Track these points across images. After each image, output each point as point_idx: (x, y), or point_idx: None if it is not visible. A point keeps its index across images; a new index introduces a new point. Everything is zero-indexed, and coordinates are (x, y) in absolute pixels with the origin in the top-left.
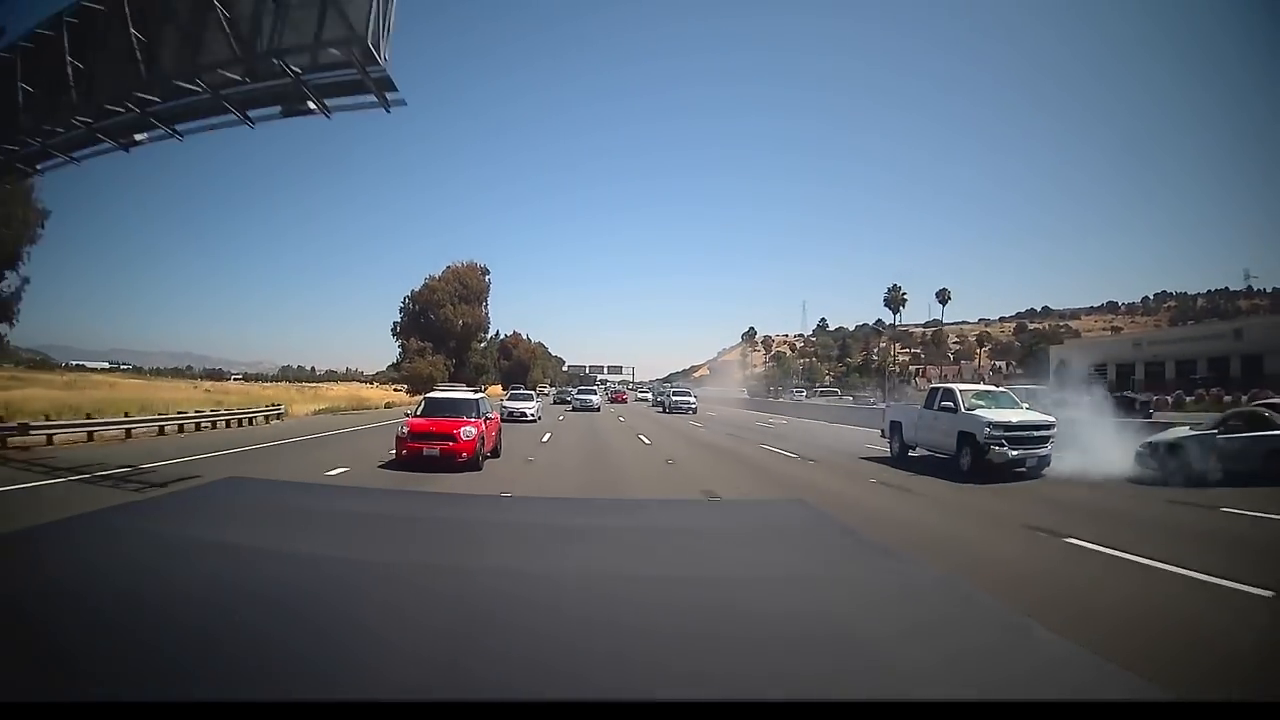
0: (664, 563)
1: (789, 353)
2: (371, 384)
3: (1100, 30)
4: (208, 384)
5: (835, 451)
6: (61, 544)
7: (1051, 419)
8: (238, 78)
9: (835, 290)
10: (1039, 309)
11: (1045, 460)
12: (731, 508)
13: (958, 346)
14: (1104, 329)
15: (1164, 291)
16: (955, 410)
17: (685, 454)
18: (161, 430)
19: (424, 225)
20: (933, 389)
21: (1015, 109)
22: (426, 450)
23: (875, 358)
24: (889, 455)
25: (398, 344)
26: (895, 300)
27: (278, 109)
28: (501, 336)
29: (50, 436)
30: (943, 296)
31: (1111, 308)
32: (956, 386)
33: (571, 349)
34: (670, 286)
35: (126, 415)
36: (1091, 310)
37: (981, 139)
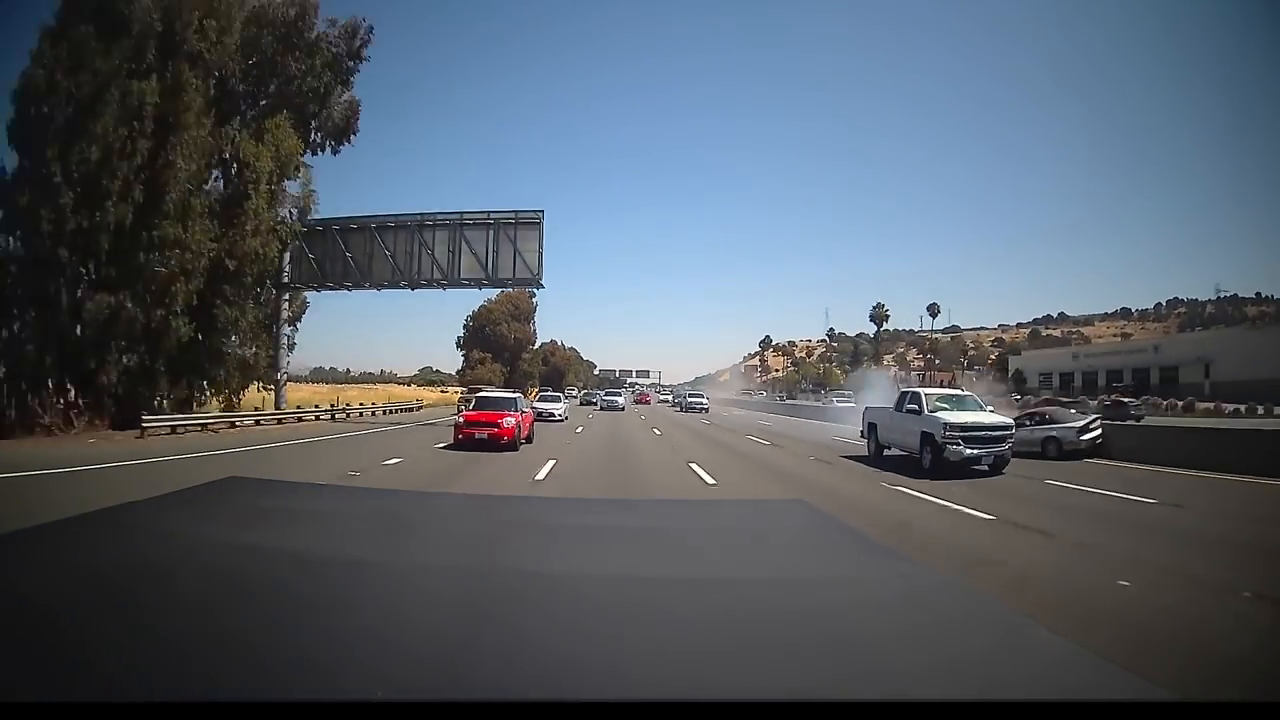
0: (665, 563)
1: (808, 358)
2: (409, 385)
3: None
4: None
5: (739, 420)
6: (61, 543)
7: (1009, 420)
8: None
9: (856, 296)
10: (1055, 315)
11: (1004, 458)
12: (733, 508)
13: (973, 352)
14: (1115, 335)
15: (1176, 298)
16: (919, 412)
17: (664, 424)
18: (376, 413)
19: None
20: (902, 392)
21: (1028, 118)
22: (477, 435)
23: (891, 364)
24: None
25: (461, 354)
26: (879, 316)
27: (490, 284)
28: (543, 345)
29: (339, 412)
30: (933, 310)
31: (1124, 314)
32: (922, 390)
33: (601, 352)
34: (699, 290)
35: (374, 404)
36: (1105, 316)
37: (997, 147)
